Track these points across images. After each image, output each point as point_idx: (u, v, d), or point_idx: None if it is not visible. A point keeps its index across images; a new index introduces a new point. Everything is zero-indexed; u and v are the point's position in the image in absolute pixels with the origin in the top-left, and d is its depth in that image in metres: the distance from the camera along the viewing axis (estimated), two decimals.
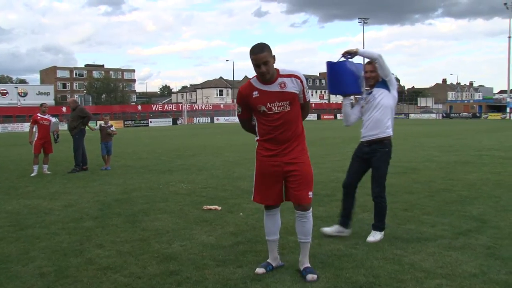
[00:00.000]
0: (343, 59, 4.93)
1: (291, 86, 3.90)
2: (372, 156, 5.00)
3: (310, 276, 3.94)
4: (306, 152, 4.09)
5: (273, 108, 3.91)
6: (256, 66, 3.81)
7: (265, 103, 3.91)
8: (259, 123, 4.04)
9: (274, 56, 3.87)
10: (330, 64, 4.97)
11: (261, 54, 3.77)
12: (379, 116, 4.92)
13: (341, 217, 5.24)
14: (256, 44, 3.83)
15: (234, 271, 4.17)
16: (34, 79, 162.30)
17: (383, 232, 5.08)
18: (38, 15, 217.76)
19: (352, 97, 5.41)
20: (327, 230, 5.17)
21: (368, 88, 5.08)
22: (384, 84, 4.97)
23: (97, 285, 3.96)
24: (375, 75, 4.98)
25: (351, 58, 4.94)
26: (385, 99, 4.93)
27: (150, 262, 4.46)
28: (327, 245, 4.89)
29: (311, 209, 4.09)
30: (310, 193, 4.03)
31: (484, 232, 5.27)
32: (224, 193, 8.12)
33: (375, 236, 4.98)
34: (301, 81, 3.93)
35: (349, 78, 4.92)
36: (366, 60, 5.07)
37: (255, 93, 3.93)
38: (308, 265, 4.12)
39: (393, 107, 5.04)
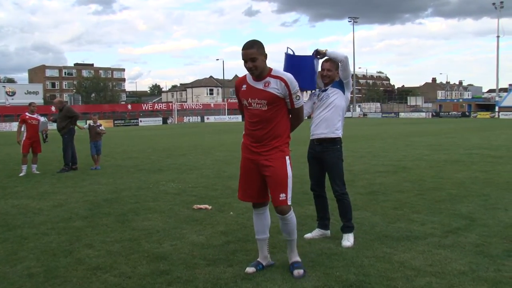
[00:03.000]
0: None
1: (274, 88, 3.92)
2: (324, 154, 4.92)
3: (296, 272, 4.00)
4: (285, 154, 4.03)
5: (252, 104, 3.99)
6: (244, 61, 3.89)
7: (247, 97, 4.01)
8: (245, 117, 4.16)
9: (265, 54, 3.91)
10: (289, 57, 4.80)
11: (249, 50, 3.84)
12: (329, 115, 4.87)
13: (318, 220, 5.25)
14: (249, 40, 3.92)
15: (225, 270, 4.16)
16: (23, 78, 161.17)
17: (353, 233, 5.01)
18: (27, 14, 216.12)
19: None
20: (309, 235, 5.15)
21: (321, 87, 5.03)
22: (340, 85, 4.95)
23: (86, 285, 3.93)
24: (331, 74, 4.95)
25: (320, 58, 4.91)
26: (338, 99, 4.90)
27: (140, 262, 4.44)
28: (317, 244, 4.90)
29: (290, 211, 4.04)
30: (282, 195, 3.96)
31: (473, 230, 5.31)
32: (215, 193, 8.10)
33: (349, 240, 4.89)
34: (287, 86, 3.91)
35: (307, 73, 4.79)
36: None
37: (244, 87, 4.06)
38: (296, 259, 4.16)
39: (345, 109, 5.01)
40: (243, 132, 4.20)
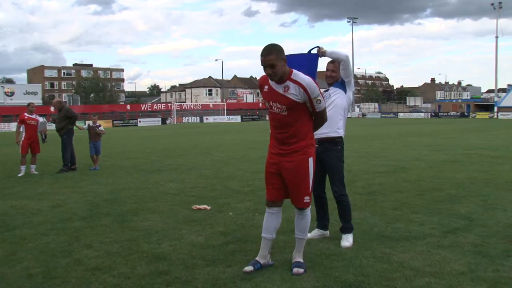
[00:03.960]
0: (314, 51, 4.86)
1: (293, 93, 3.90)
2: (325, 155, 4.93)
3: (295, 270, 4.06)
4: (308, 156, 4.05)
5: (273, 107, 4.00)
6: (263, 67, 3.87)
7: (268, 100, 4.03)
8: (268, 116, 4.18)
9: (285, 58, 3.88)
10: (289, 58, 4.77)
11: (267, 57, 3.81)
12: (330, 114, 4.83)
13: (318, 220, 5.25)
14: (266, 46, 3.87)
15: (224, 270, 4.16)
16: (22, 78, 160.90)
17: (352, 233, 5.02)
18: (26, 14, 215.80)
19: None
20: (308, 235, 5.14)
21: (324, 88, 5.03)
22: (342, 85, 4.98)
23: (85, 285, 3.93)
24: (335, 75, 5.00)
25: (320, 57, 4.90)
26: (339, 99, 4.93)
27: (139, 262, 4.44)
28: (316, 244, 4.90)
29: (309, 208, 4.18)
30: (307, 198, 4.10)
31: (472, 231, 5.31)
32: (214, 193, 8.10)
33: (348, 240, 4.89)
34: (306, 91, 3.89)
35: (304, 72, 4.72)
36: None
37: (266, 87, 4.05)
38: (300, 259, 4.21)
39: (346, 108, 5.02)
40: (270, 131, 4.23)
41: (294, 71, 3.97)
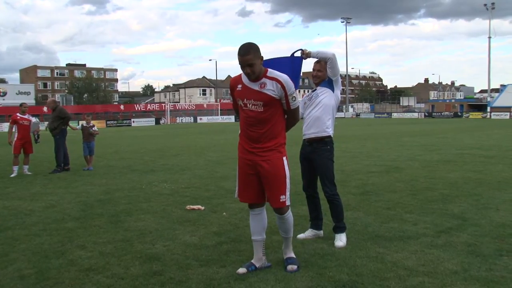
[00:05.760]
0: (298, 54, 4.87)
1: (270, 89, 3.92)
2: (314, 155, 4.94)
3: (290, 267, 4.10)
4: (282, 155, 4.06)
5: (248, 104, 3.99)
6: (241, 66, 3.89)
7: (242, 98, 4.01)
8: (239, 116, 4.16)
9: (262, 57, 3.92)
10: (264, 63, 4.55)
11: (245, 57, 3.83)
12: (319, 114, 4.89)
13: (311, 220, 5.26)
14: (243, 45, 3.88)
15: (218, 270, 4.16)
16: (14, 78, 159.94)
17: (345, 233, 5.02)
18: (19, 13, 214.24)
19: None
20: (302, 236, 5.16)
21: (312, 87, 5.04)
22: (329, 84, 4.98)
23: (79, 286, 3.91)
24: (321, 74, 5.01)
25: (305, 59, 4.91)
26: (327, 98, 4.93)
27: (133, 263, 4.42)
28: (310, 244, 4.91)
29: (288, 211, 4.13)
30: (283, 196, 4.04)
31: (465, 230, 5.34)
32: (207, 193, 8.09)
33: (342, 240, 4.89)
34: (283, 87, 3.92)
35: (287, 75, 4.72)
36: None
37: (239, 87, 4.05)
38: (291, 255, 4.24)
39: (335, 107, 5.04)
40: (239, 132, 4.20)
41: (269, 69, 4.00)
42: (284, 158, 4.07)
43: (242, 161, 4.15)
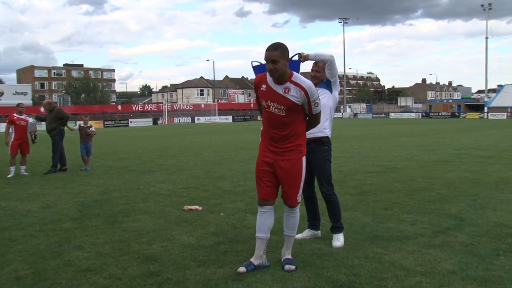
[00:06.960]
0: (296, 58, 4.87)
1: (293, 95, 3.95)
2: (312, 155, 4.89)
3: (287, 267, 4.12)
4: (302, 154, 4.14)
5: (271, 107, 4.02)
6: (266, 62, 3.93)
7: (266, 99, 4.04)
8: (262, 116, 4.20)
9: (288, 59, 3.97)
10: (256, 69, 4.67)
11: (272, 52, 3.88)
12: None
13: (309, 220, 5.26)
14: (274, 42, 3.95)
15: (215, 271, 4.15)
16: (11, 78, 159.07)
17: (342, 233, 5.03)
18: (17, 13, 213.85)
19: None
20: (299, 236, 5.15)
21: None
22: (328, 85, 5.01)
23: (76, 287, 3.90)
24: (319, 75, 5.02)
25: (303, 62, 4.92)
26: (325, 99, 4.94)
27: (131, 263, 4.41)
28: (308, 244, 4.91)
29: (298, 206, 4.23)
30: (299, 196, 4.19)
31: (463, 230, 5.34)
32: (205, 193, 8.08)
33: (339, 240, 4.90)
34: (306, 94, 3.96)
35: None
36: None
37: (263, 87, 4.07)
38: (289, 256, 4.26)
39: (332, 108, 5.05)
40: (261, 129, 4.24)
41: (295, 73, 4.03)
42: (304, 158, 4.16)
43: (261, 159, 4.19)
